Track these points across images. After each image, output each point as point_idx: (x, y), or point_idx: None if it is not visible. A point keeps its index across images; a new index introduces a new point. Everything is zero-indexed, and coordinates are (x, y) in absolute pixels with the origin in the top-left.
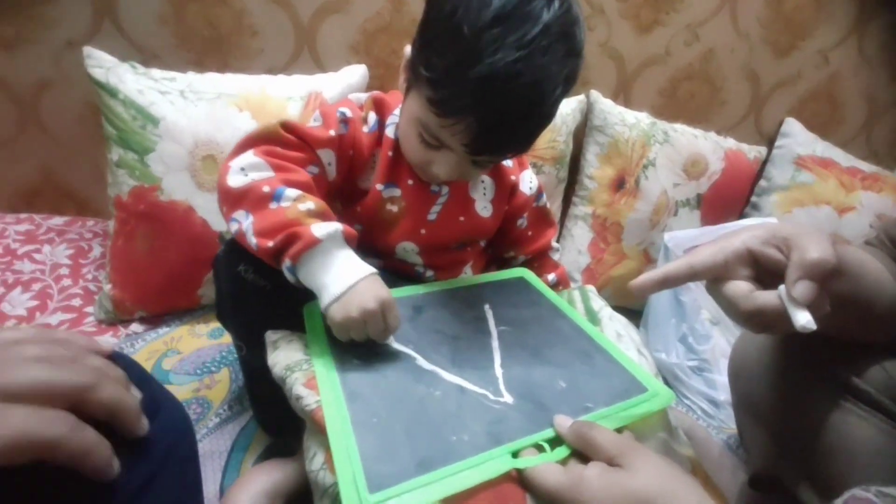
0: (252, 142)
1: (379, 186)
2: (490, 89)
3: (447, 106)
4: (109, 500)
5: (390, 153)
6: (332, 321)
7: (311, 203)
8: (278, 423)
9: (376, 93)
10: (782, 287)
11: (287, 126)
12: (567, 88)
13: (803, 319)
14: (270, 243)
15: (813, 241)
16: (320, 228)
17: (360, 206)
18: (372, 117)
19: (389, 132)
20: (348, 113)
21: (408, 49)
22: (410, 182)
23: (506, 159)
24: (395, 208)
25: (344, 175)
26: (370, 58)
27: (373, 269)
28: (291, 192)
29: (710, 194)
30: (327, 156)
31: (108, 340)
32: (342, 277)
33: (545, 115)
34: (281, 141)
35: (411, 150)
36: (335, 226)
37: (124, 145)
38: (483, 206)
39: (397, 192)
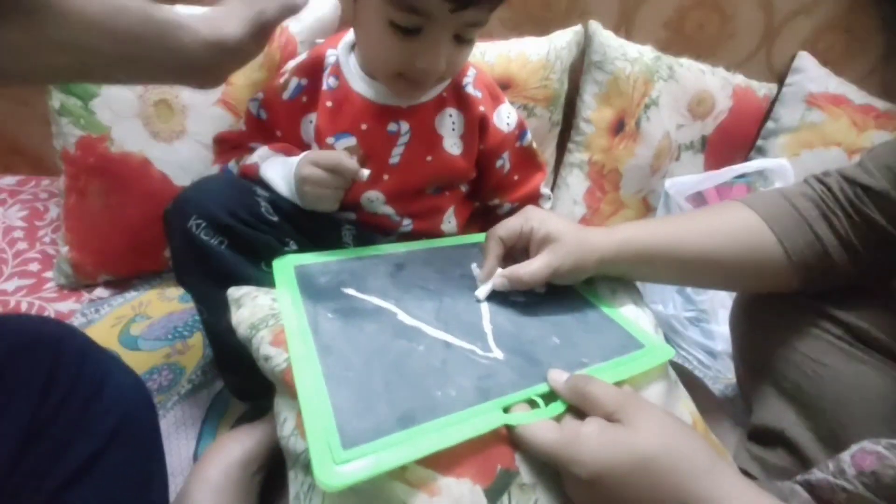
0: (214, 156)
1: (329, 140)
2: None
3: None
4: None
5: (329, 104)
6: (308, 193)
7: (246, 154)
8: (250, 388)
9: (304, 57)
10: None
11: (218, 140)
12: None
13: (479, 292)
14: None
15: (536, 261)
16: (253, 156)
17: None
18: (293, 83)
19: (326, 85)
20: (261, 95)
21: None
22: (364, 126)
23: (493, 6)
24: (353, 157)
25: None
26: None
27: (299, 157)
28: (232, 164)
29: (715, 136)
30: (258, 141)
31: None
32: (287, 169)
33: None
34: (223, 148)
35: (386, 54)
36: (262, 148)
37: (65, 90)
38: (452, 143)
39: (352, 140)
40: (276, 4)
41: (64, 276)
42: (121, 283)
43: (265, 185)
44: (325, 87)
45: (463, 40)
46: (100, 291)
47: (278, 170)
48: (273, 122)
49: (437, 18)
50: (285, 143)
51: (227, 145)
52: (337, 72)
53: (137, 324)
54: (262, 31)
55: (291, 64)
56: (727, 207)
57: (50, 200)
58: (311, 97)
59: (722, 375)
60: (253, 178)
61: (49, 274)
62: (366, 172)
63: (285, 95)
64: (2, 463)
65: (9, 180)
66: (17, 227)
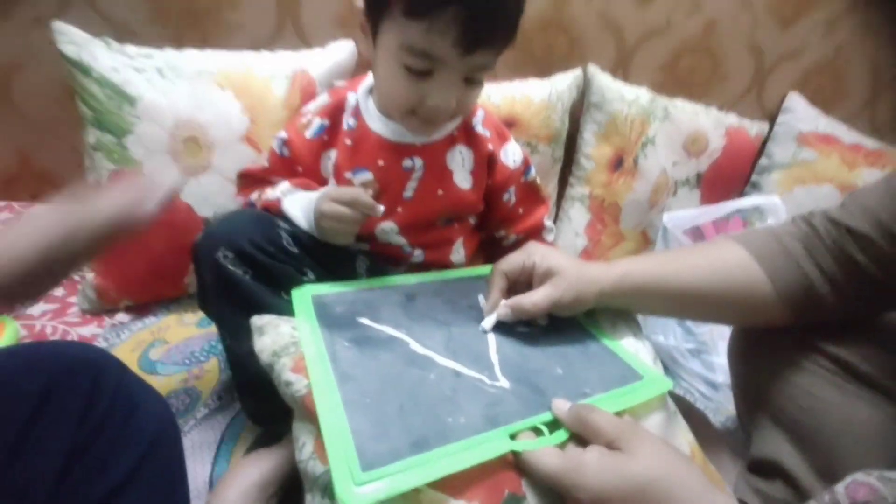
0: (237, 190)
1: (347, 175)
2: None
3: (423, 1)
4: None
5: (348, 141)
6: (326, 226)
7: (268, 189)
8: (266, 413)
9: (327, 99)
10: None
11: (243, 175)
12: None
13: (485, 324)
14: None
15: (539, 293)
16: (275, 191)
17: None
18: (317, 123)
19: (346, 125)
20: (284, 135)
21: (359, 2)
22: (381, 163)
23: (500, 51)
24: (369, 192)
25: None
26: (358, 31)
27: (318, 194)
28: (255, 195)
29: (710, 173)
30: (280, 176)
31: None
32: (308, 203)
33: None
34: (246, 183)
35: (400, 94)
36: (284, 183)
37: (101, 127)
38: (462, 178)
39: (369, 175)
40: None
41: (88, 302)
42: (141, 309)
43: (286, 218)
44: (344, 126)
45: (472, 82)
46: (121, 316)
47: (299, 205)
48: (295, 158)
49: (446, 62)
50: (305, 178)
51: (251, 180)
52: (356, 113)
53: (156, 348)
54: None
55: (313, 105)
56: (720, 244)
57: None
58: (332, 136)
59: (723, 407)
60: (275, 212)
61: (73, 299)
62: (381, 208)
63: (308, 134)
64: (48, 479)
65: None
66: None
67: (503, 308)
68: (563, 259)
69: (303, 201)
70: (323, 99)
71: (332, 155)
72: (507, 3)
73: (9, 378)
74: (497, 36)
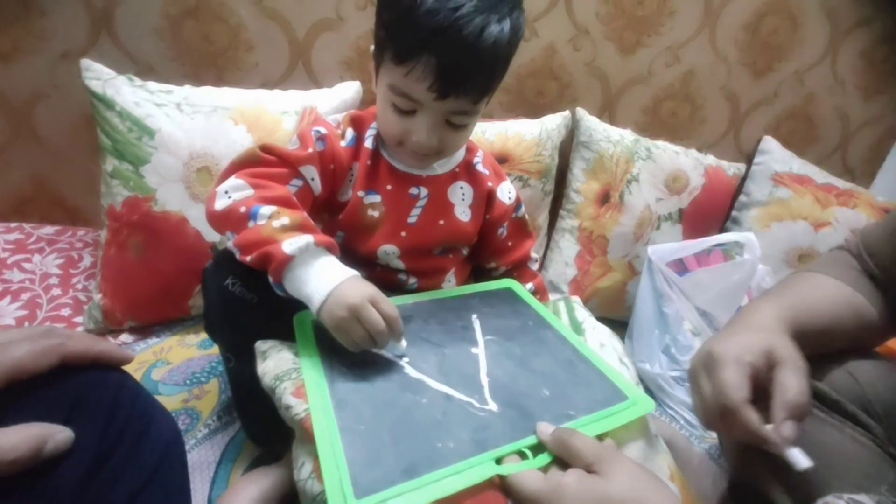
0: (235, 167)
1: (360, 193)
2: (438, 21)
3: (404, 49)
4: None
5: (368, 162)
6: (329, 328)
7: (286, 218)
8: (266, 434)
9: (353, 111)
10: (772, 427)
11: (266, 148)
12: (512, 9)
13: (800, 461)
14: (249, 259)
15: (792, 377)
16: (291, 244)
17: (343, 214)
18: (349, 133)
19: (368, 144)
20: (323, 130)
21: (371, 47)
22: (389, 187)
23: (476, 100)
24: (375, 213)
25: (329, 189)
26: (363, 74)
27: (353, 272)
28: (266, 210)
29: (690, 209)
30: (310, 172)
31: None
32: (322, 284)
33: (498, 41)
34: (262, 162)
35: (389, 126)
36: (306, 239)
37: (119, 156)
38: (462, 211)
39: (377, 198)
40: None
41: (93, 322)
42: (144, 330)
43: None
44: (368, 145)
45: (454, 125)
46: (125, 337)
47: (328, 272)
48: (332, 156)
49: (425, 104)
50: (334, 181)
51: (272, 164)
52: (377, 138)
53: (158, 369)
54: None
55: (340, 116)
56: (813, 279)
57: (84, 250)
58: (357, 149)
59: (707, 435)
60: (267, 266)
61: (79, 319)
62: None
63: (343, 143)
64: (72, 491)
65: (48, 230)
66: (53, 275)
67: (788, 430)
68: (776, 348)
69: (334, 268)
70: (350, 113)
71: (356, 169)
72: (480, 55)
73: (42, 393)
74: (470, 85)
